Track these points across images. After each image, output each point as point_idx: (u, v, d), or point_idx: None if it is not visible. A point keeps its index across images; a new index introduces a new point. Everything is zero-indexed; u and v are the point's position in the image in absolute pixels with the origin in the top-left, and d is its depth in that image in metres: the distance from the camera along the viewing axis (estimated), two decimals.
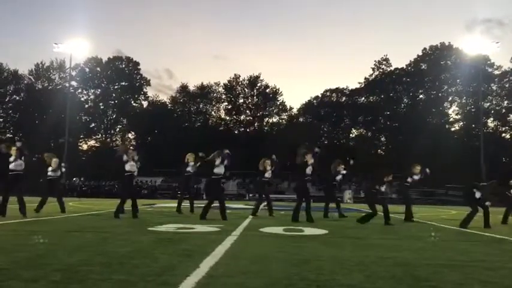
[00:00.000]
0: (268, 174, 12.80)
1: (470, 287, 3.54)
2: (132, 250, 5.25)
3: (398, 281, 3.75)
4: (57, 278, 3.54)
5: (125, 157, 11.00)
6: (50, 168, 12.35)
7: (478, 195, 9.91)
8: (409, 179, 11.76)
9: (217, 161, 10.80)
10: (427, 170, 11.92)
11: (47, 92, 55.56)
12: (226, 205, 11.32)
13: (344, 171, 12.71)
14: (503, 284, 3.68)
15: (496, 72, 53.20)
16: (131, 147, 11.33)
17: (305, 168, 10.69)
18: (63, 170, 12.88)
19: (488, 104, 52.82)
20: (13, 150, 10.21)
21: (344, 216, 12.25)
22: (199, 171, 13.46)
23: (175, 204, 13.51)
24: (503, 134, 53.91)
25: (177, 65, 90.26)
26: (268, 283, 3.52)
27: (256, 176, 12.82)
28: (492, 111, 53.45)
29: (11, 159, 10.14)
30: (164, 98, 63.28)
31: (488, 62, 51.82)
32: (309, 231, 8.23)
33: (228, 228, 8.23)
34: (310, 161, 10.74)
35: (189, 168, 13.14)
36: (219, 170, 10.83)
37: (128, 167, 10.93)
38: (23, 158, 10.26)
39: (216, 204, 11.00)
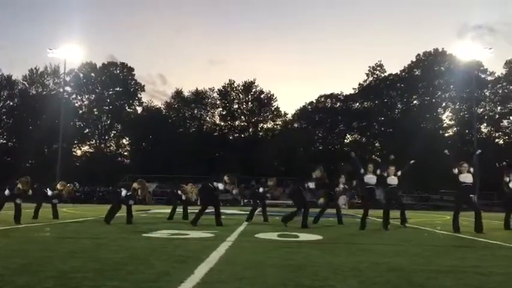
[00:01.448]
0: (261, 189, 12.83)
1: None
2: (126, 256, 5.23)
3: (393, 286, 3.76)
4: (50, 285, 3.52)
5: (124, 192, 10.98)
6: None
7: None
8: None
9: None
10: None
11: (41, 97, 55.39)
12: (221, 211, 11.30)
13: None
14: None
15: (489, 78, 53.60)
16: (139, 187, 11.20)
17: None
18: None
19: (481, 109, 53.11)
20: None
21: (341, 223, 12.20)
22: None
23: (170, 210, 13.41)
24: (497, 140, 54.22)
25: (171, 70, 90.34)
26: None
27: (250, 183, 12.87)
28: (485, 117, 53.76)
29: None
30: (158, 103, 63.00)
31: (482, 68, 52.20)
32: (303, 237, 8.23)
33: (222, 234, 8.21)
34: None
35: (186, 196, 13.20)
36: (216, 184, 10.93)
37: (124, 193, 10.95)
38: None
39: (210, 210, 10.99)
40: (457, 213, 10.28)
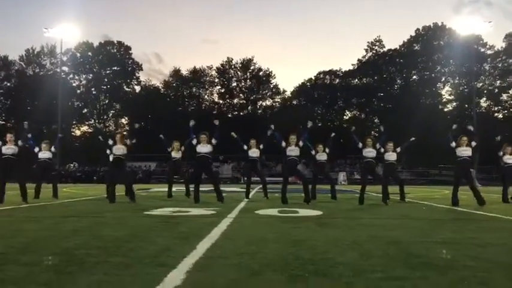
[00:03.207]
0: (253, 153, 12.47)
1: (461, 263, 3.62)
2: (128, 234, 5.29)
3: (392, 257, 3.83)
4: (55, 262, 3.58)
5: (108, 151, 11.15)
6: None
7: None
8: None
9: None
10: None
11: (38, 77, 55.14)
12: (221, 188, 11.37)
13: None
14: (492, 260, 3.77)
15: (489, 52, 53.26)
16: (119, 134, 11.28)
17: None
18: (53, 149, 12.71)
19: (481, 84, 52.94)
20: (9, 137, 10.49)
21: (334, 199, 12.25)
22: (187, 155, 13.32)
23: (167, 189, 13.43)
24: (496, 114, 54.17)
25: (167, 49, 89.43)
26: (264, 263, 3.58)
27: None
28: (485, 91, 53.61)
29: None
30: (155, 82, 62.69)
31: (481, 42, 51.82)
32: (303, 212, 8.31)
33: (223, 211, 8.29)
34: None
35: (173, 154, 13.10)
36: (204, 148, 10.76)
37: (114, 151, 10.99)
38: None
39: (211, 188, 11.10)
40: (456, 187, 10.36)
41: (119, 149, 10.87)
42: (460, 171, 10.48)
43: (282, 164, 11.16)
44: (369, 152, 10.91)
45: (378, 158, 11.20)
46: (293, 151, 10.79)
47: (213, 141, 10.82)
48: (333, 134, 12.97)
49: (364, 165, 11.26)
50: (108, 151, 11.44)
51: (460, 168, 10.42)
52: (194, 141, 10.96)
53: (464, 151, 10.26)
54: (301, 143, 10.97)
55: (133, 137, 11.43)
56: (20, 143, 10.67)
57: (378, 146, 11.15)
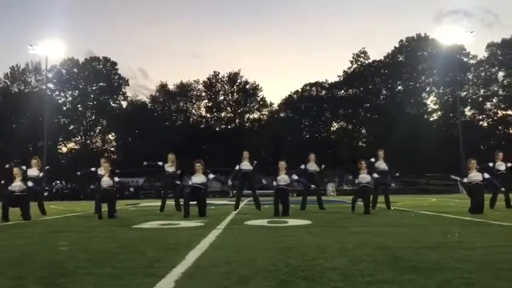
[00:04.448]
0: (245, 166, 12.35)
1: (448, 265, 3.67)
2: (117, 246, 5.26)
3: (380, 263, 3.86)
4: (43, 274, 3.54)
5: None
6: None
7: None
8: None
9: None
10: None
11: (23, 95, 54.70)
12: (210, 202, 11.33)
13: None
14: (479, 261, 3.82)
15: (472, 61, 54.17)
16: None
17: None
18: (41, 174, 12.49)
19: (465, 93, 53.74)
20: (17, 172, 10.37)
21: (323, 209, 12.26)
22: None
23: (159, 203, 13.31)
24: (481, 122, 54.91)
25: (152, 64, 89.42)
26: (253, 270, 3.59)
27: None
28: (469, 100, 54.43)
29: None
30: (141, 97, 62.52)
31: (464, 52, 52.70)
32: (292, 222, 8.34)
33: (212, 223, 8.27)
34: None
35: (167, 168, 12.88)
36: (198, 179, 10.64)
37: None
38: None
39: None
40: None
41: (105, 182, 10.62)
42: (473, 196, 10.29)
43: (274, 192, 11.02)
44: (364, 178, 10.81)
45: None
46: (282, 180, 10.63)
47: (210, 175, 10.88)
48: (323, 166, 12.91)
49: (358, 190, 11.16)
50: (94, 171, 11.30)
51: (473, 192, 10.30)
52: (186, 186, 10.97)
53: (475, 176, 10.16)
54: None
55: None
56: (29, 183, 10.51)
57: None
